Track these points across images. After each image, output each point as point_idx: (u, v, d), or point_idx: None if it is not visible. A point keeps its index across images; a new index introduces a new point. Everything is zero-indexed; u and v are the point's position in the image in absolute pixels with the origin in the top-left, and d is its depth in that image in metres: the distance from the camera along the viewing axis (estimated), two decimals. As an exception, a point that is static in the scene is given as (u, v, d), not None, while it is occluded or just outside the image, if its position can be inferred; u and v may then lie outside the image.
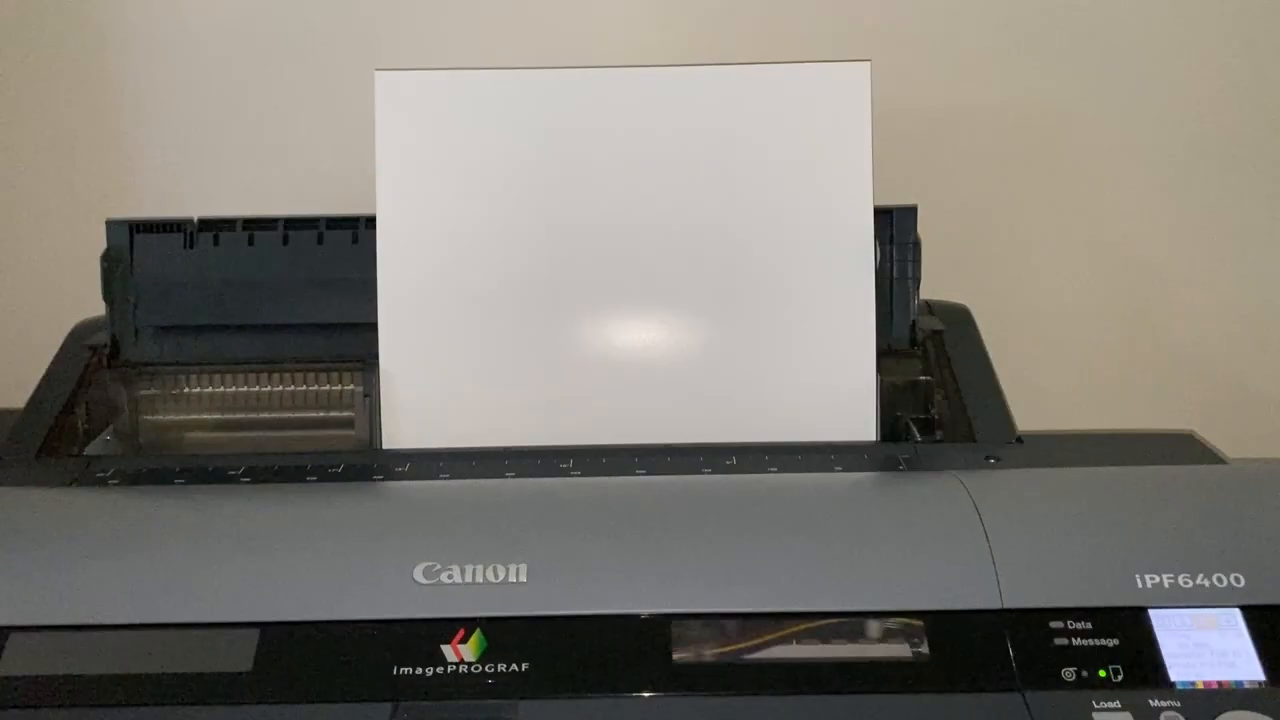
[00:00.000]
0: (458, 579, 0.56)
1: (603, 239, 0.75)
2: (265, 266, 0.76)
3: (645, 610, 0.55)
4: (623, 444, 0.71)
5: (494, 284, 0.74)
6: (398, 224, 0.74)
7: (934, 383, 0.76)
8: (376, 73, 0.75)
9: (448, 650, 0.54)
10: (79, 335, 0.79)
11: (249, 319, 0.76)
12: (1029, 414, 0.75)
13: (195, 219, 0.78)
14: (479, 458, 0.69)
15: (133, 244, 0.77)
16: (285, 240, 0.77)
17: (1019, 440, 0.71)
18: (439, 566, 0.56)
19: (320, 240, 0.77)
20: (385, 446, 0.73)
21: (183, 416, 0.79)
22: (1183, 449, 0.70)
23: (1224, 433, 0.73)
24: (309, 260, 0.76)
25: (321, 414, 0.78)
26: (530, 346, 0.74)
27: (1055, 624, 0.54)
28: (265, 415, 0.79)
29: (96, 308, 0.78)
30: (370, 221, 0.75)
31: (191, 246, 0.77)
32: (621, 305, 0.74)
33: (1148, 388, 0.97)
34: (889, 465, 0.68)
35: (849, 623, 0.54)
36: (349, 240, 0.76)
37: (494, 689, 0.52)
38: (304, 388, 0.78)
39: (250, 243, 0.77)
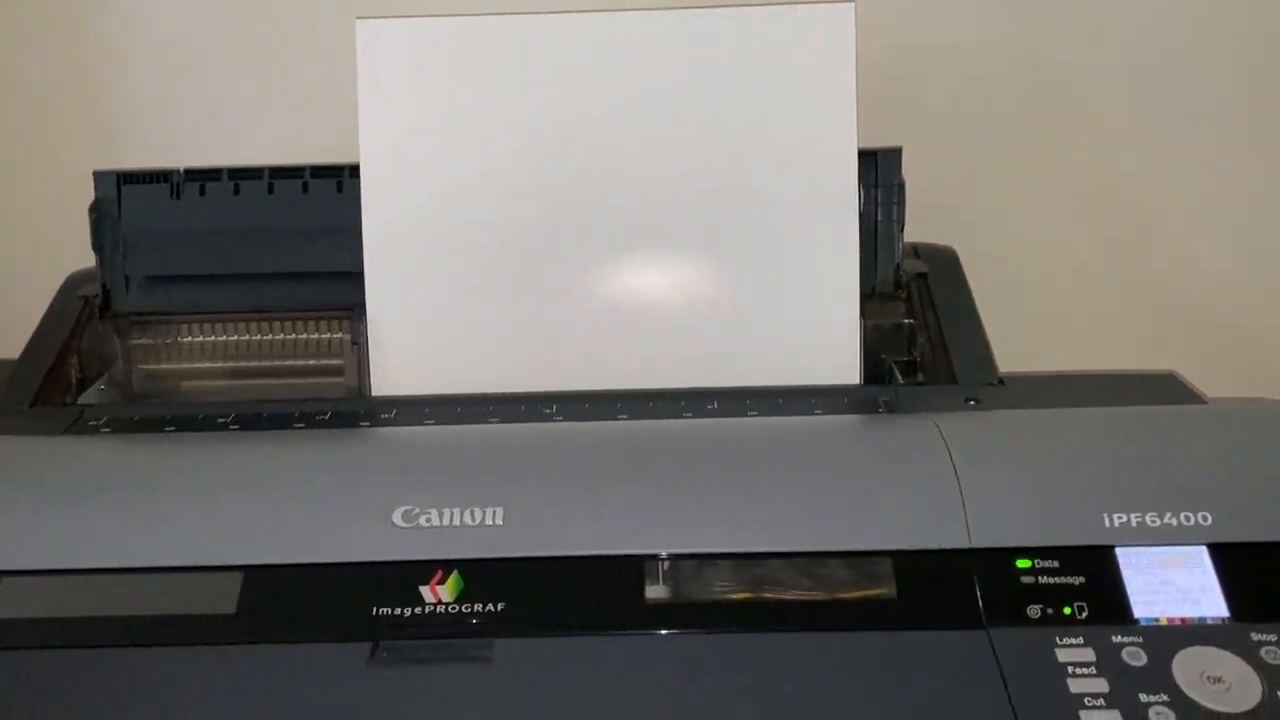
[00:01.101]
0: (436, 522, 0.57)
1: (586, 184, 0.75)
2: (251, 216, 0.76)
3: (618, 551, 0.56)
4: (606, 389, 0.72)
5: (478, 231, 0.74)
6: (381, 172, 0.74)
7: (917, 325, 0.77)
8: (357, 20, 0.75)
9: (426, 591, 0.55)
10: (71, 286, 0.80)
11: (237, 268, 0.77)
12: (1014, 356, 0.76)
13: (181, 169, 0.78)
14: (464, 404, 0.70)
15: (120, 195, 0.77)
16: (270, 190, 0.77)
17: (1000, 382, 0.72)
18: (417, 510, 0.57)
19: (305, 189, 0.77)
20: (374, 393, 0.74)
21: (175, 365, 0.80)
22: (1163, 389, 0.70)
23: (1213, 373, 0.73)
24: (295, 209, 0.76)
25: (312, 362, 0.79)
26: (515, 293, 0.74)
27: (1022, 563, 0.55)
28: (256, 363, 0.80)
29: (89, 259, 0.79)
30: (355, 170, 0.75)
31: (178, 197, 0.77)
32: (606, 252, 0.74)
33: (1135, 329, 0.97)
34: (869, 408, 0.69)
35: (818, 562, 0.55)
36: (334, 189, 0.77)
37: (471, 628, 0.54)
38: (293, 336, 0.79)
39: (236, 192, 0.77)
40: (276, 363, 0.80)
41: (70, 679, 0.52)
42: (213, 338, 0.80)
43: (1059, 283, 1.01)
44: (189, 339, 0.80)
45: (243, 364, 0.80)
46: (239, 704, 0.51)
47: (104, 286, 0.78)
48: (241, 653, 0.53)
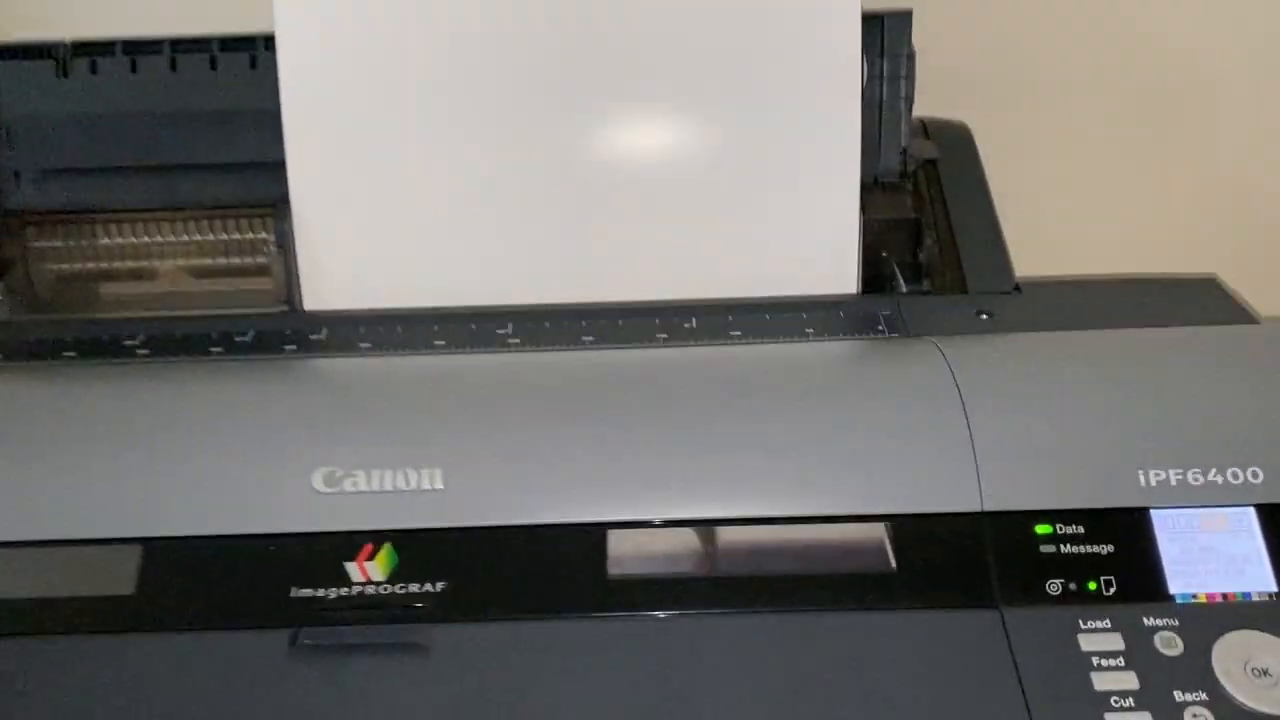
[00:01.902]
0: (363, 486, 0.49)
1: (553, 46, 0.64)
2: (153, 98, 0.66)
3: (577, 519, 0.48)
4: (569, 303, 0.63)
5: (419, 109, 0.64)
6: (301, 42, 0.64)
7: (925, 222, 0.67)
8: None
9: (352, 568, 0.48)
10: (-47, 180, 0.69)
11: (140, 159, 0.67)
12: (1033, 255, 0.66)
13: (68, 41, 0.67)
14: (407, 321, 0.61)
15: None
16: (173, 66, 0.67)
17: (1017, 289, 0.63)
18: (342, 472, 0.49)
19: (213, 65, 0.67)
20: (306, 303, 0.65)
21: (82, 266, 0.71)
22: (1204, 300, 0.61)
23: (1259, 276, 0.64)
24: (203, 89, 0.67)
25: (239, 260, 0.70)
26: (465, 182, 0.64)
27: (1042, 529, 0.48)
28: (178, 263, 0.71)
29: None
30: (270, 41, 0.65)
31: (65, 75, 0.67)
32: (574, 129, 0.64)
33: (1174, 223, 0.86)
34: (866, 325, 0.60)
35: (805, 530, 0.48)
36: (246, 64, 0.67)
37: (406, 612, 0.47)
38: (211, 237, 0.69)
39: (133, 69, 0.67)
40: (201, 261, 0.71)
41: None
42: (121, 240, 0.70)
43: (1085, 164, 0.88)
44: (97, 241, 0.70)
45: (162, 264, 0.71)
46: (136, 703, 0.45)
47: None
48: (141, 643, 0.46)
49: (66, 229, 0.70)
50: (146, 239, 0.70)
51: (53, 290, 0.71)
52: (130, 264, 0.71)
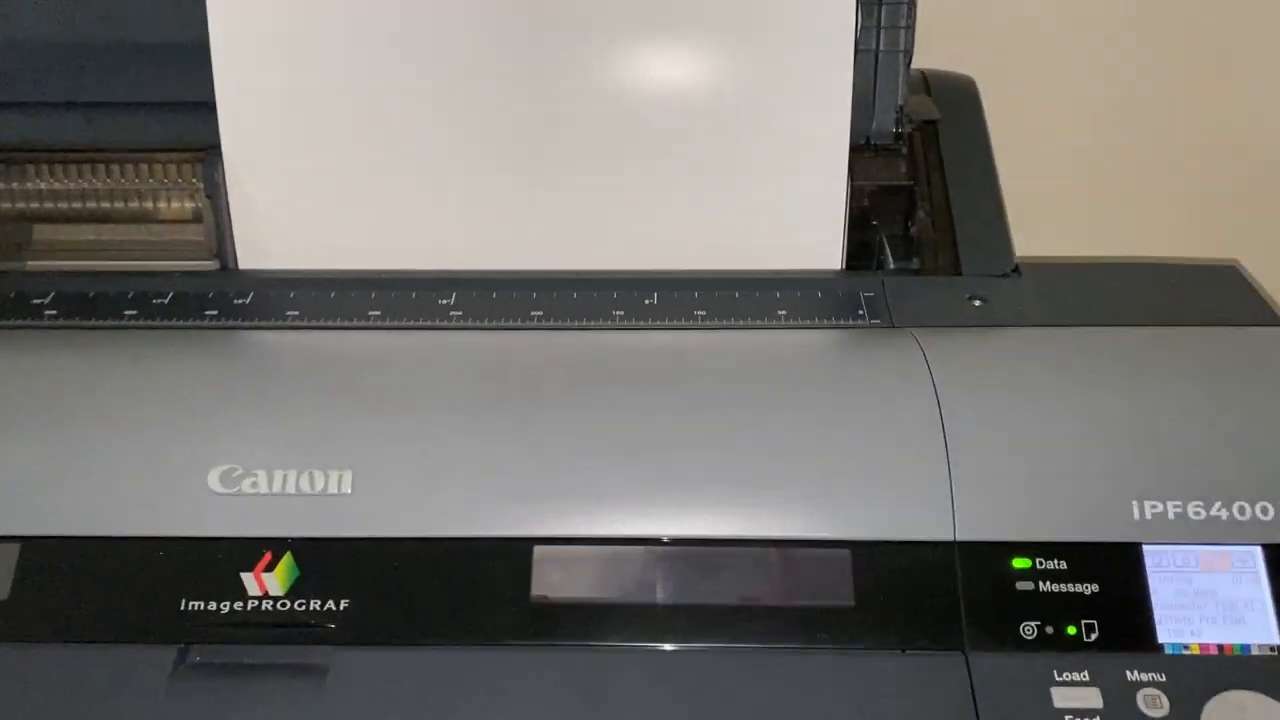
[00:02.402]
0: (264, 488, 0.44)
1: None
2: (65, 27, 0.62)
3: (500, 533, 0.43)
4: (521, 271, 0.57)
5: (364, 48, 0.58)
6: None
7: (919, 191, 0.61)
8: None
9: (249, 579, 0.43)
10: None
11: (50, 95, 0.61)
12: (1035, 229, 0.60)
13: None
14: (342, 287, 0.56)
15: None
16: None
17: (1016, 271, 0.57)
18: (240, 470, 0.44)
19: None
20: (241, 260, 0.60)
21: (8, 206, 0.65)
22: (1222, 291, 0.55)
23: None
24: (122, 17, 0.62)
25: (165, 205, 0.65)
26: (414, 132, 0.59)
27: (1019, 563, 0.42)
28: (103, 205, 0.65)
29: None
30: None
31: None
32: (529, 77, 0.58)
33: (1192, 196, 0.78)
34: (846, 308, 0.54)
35: (754, 554, 0.43)
36: None
37: (305, 631, 0.42)
38: (137, 183, 0.63)
39: None
40: (129, 206, 0.65)
41: None
42: (43, 184, 0.64)
43: (1098, 128, 0.80)
44: (15, 184, 0.64)
45: (85, 206, 0.65)
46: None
47: None
48: (14, 656, 0.42)
49: (-7, 168, 0.65)
50: (68, 182, 0.64)
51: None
52: (52, 206, 0.66)
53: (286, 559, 0.43)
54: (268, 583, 0.43)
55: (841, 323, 0.53)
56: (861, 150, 0.60)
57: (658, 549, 0.43)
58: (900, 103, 0.61)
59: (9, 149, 0.63)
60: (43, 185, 0.65)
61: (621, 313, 0.54)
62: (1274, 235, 0.68)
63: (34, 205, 0.65)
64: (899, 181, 0.62)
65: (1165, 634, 0.42)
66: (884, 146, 0.61)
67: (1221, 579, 0.42)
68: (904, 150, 0.61)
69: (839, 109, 0.58)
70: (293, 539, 0.43)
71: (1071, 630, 0.42)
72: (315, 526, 0.44)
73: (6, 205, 0.65)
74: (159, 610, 0.43)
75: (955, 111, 0.63)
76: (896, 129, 0.61)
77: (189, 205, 0.64)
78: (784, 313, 0.54)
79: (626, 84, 0.58)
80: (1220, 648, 0.41)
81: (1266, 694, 0.40)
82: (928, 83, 0.65)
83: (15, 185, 0.64)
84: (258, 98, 0.59)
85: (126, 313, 0.55)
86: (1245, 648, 0.41)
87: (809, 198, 0.59)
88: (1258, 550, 0.43)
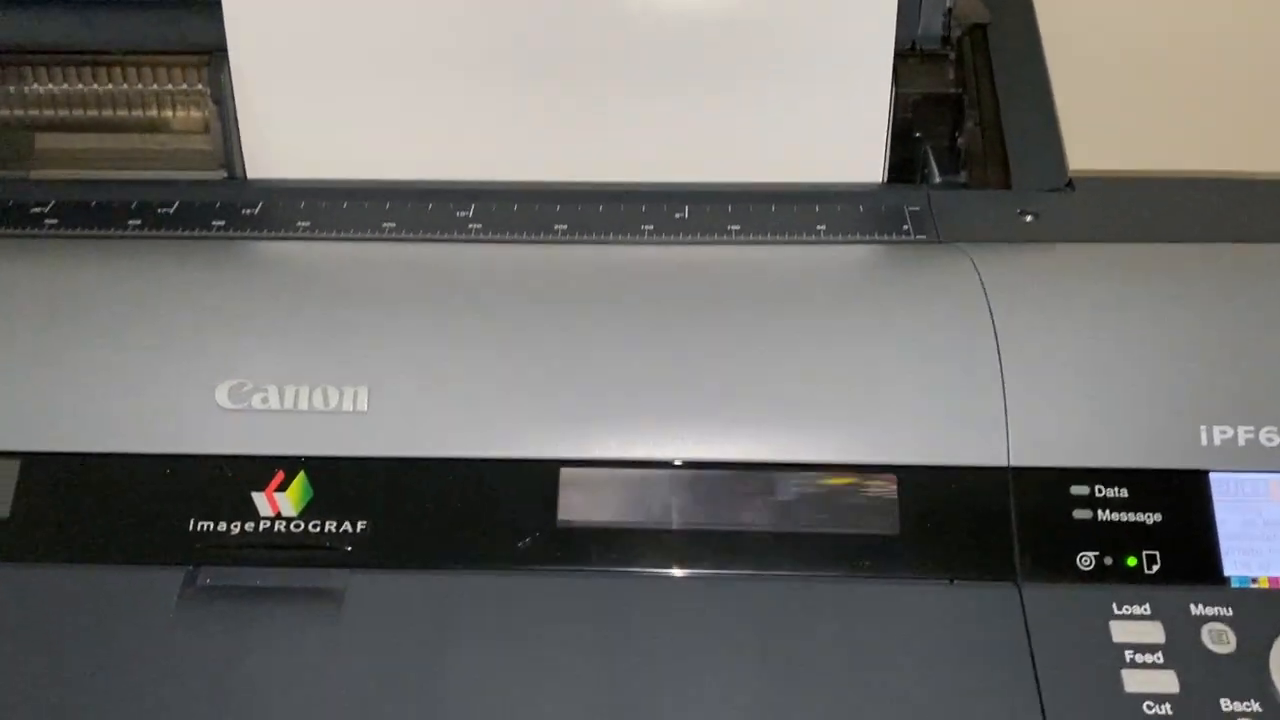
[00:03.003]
0: (275, 404, 0.42)
1: None
2: None
3: (525, 454, 0.41)
4: (543, 182, 0.54)
5: None
6: None
7: (967, 99, 0.57)
8: None
9: (260, 499, 0.41)
10: None
11: None
12: (1091, 141, 0.56)
13: None
14: (355, 197, 0.53)
15: None
16: None
17: (1070, 185, 0.54)
18: (250, 385, 0.42)
19: None
20: (249, 170, 0.58)
21: (2, 114, 0.63)
22: (1290, 207, 0.52)
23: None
24: None
25: (170, 114, 0.62)
26: (432, 36, 0.55)
27: (1077, 489, 0.40)
28: (105, 113, 0.62)
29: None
30: None
31: None
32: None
33: (1261, 106, 0.74)
34: (890, 223, 0.51)
35: (794, 479, 0.41)
36: None
37: (320, 554, 0.40)
38: (140, 88, 0.61)
39: None
40: (133, 114, 0.63)
41: None
42: (48, 86, 0.62)
43: (1163, 42, 0.75)
44: (22, 86, 0.62)
45: (87, 114, 0.63)
46: (3, 645, 0.39)
47: None
48: (16, 576, 0.40)
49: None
50: (69, 86, 0.61)
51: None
52: (55, 113, 0.63)
53: (300, 478, 0.41)
54: (280, 503, 0.41)
55: (885, 238, 0.50)
56: (906, 56, 0.57)
57: (692, 473, 0.41)
58: (949, 4, 0.57)
59: (4, 50, 0.61)
60: (40, 89, 0.62)
61: (650, 227, 0.51)
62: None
63: (32, 112, 0.63)
64: (946, 90, 0.58)
65: (1232, 566, 0.39)
66: (930, 52, 0.58)
67: (1293, 510, 0.40)
68: (951, 56, 0.58)
69: (883, 11, 0.55)
70: (306, 458, 0.41)
71: (1132, 561, 0.39)
72: (330, 445, 0.42)
73: (4, 111, 0.62)
74: (166, 530, 0.41)
75: (1006, 14, 0.59)
76: (944, 33, 0.57)
77: (195, 114, 0.62)
78: (823, 228, 0.51)
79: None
80: (1291, 582, 0.39)
81: (1341, 629, 0.38)
82: (977, -16, 0.61)
83: (12, 89, 0.62)
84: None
85: (130, 223, 0.52)
86: (1319, 581, 0.39)
87: (849, 106, 0.56)
88: (1333, 479, 0.40)
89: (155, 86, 0.61)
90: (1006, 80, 0.57)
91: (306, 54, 0.56)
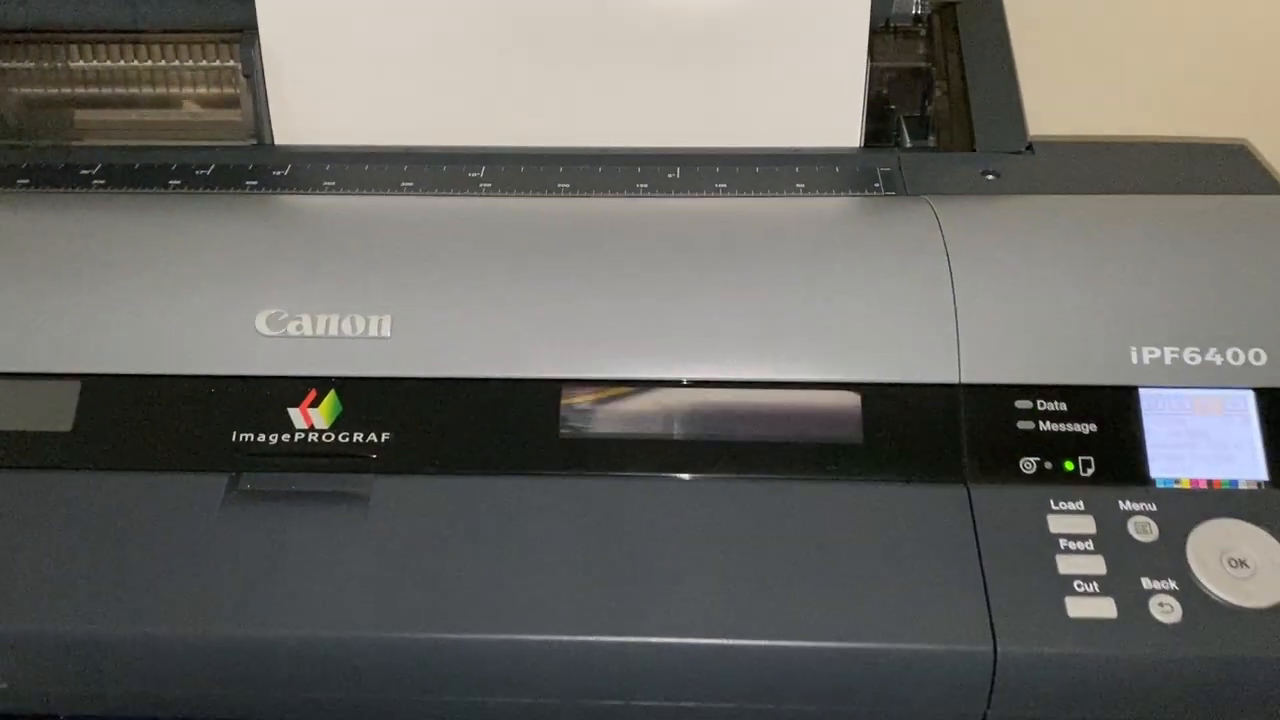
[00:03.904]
0: (308, 330, 0.47)
1: None
2: None
3: (530, 374, 0.46)
4: (547, 147, 0.59)
5: None
6: None
7: (936, 72, 0.62)
8: None
9: (295, 414, 0.46)
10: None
11: None
12: (1055, 113, 0.61)
13: None
14: (375, 160, 0.58)
15: None
16: None
17: (1029, 149, 0.58)
18: (286, 315, 0.47)
19: None
20: (277, 138, 0.62)
21: (46, 91, 0.68)
22: (1230, 167, 0.56)
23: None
24: None
25: (204, 90, 0.67)
26: (447, 12, 0.60)
27: (1021, 403, 0.45)
28: (144, 90, 0.67)
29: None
30: None
31: None
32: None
33: (1205, 81, 0.79)
34: (863, 181, 0.56)
35: (770, 395, 0.45)
36: None
37: (348, 461, 0.45)
38: (177, 63, 0.65)
39: None
40: (169, 90, 0.67)
41: None
42: (84, 63, 0.66)
43: (1113, 18, 0.81)
44: (60, 64, 0.67)
45: (128, 91, 0.67)
46: (69, 541, 0.44)
47: None
48: (77, 481, 0.45)
49: (31, 50, 0.67)
50: (110, 63, 0.67)
51: (18, 115, 0.68)
52: (95, 90, 0.68)
53: (330, 396, 0.46)
54: (313, 417, 0.46)
55: (858, 194, 0.55)
56: (881, 32, 0.62)
57: (681, 390, 0.46)
58: (919, -16, 0.62)
59: (53, 29, 0.65)
60: (84, 65, 0.67)
61: (645, 185, 0.56)
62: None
63: (77, 90, 0.68)
64: (917, 64, 0.63)
65: (1157, 469, 0.44)
66: (903, 29, 0.62)
67: (1214, 421, 0.45)
68: (923, 32, 0.63)
69: (858, -9, 0.60)
70: (336, 377, 0.46)
71: (1069, 466, 0.44)
72: (357, 366, 0.46)
73: (52, 89, 0.67)
74: (211, 442, 0.46)
75: None
76: (916, 10, 0.62)
77: (227, 91, 0.66)
78: (801, 185, 0.56)
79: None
80: (1210, 482, 0.44)
81: (1251, 522, 0.42)
82: (947, -34, 0.66)
83: (59, 64, 0.67)
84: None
85: (171, 182, 0.57)
86: (1233, 483, 0.44)
87: (828, 78, 0.60)
88: (1249, 394, 0.45)
89: (190, 62, 0.66)
90: (973, 54, 0.62)
91: (330, 30, 0.61)
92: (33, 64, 0.67)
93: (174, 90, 0.68)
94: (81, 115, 0.70)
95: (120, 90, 0.68)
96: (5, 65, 0.67)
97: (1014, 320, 0.46)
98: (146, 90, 0.68)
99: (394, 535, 0.44)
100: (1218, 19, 0.75)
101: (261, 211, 0.53)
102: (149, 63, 0.67)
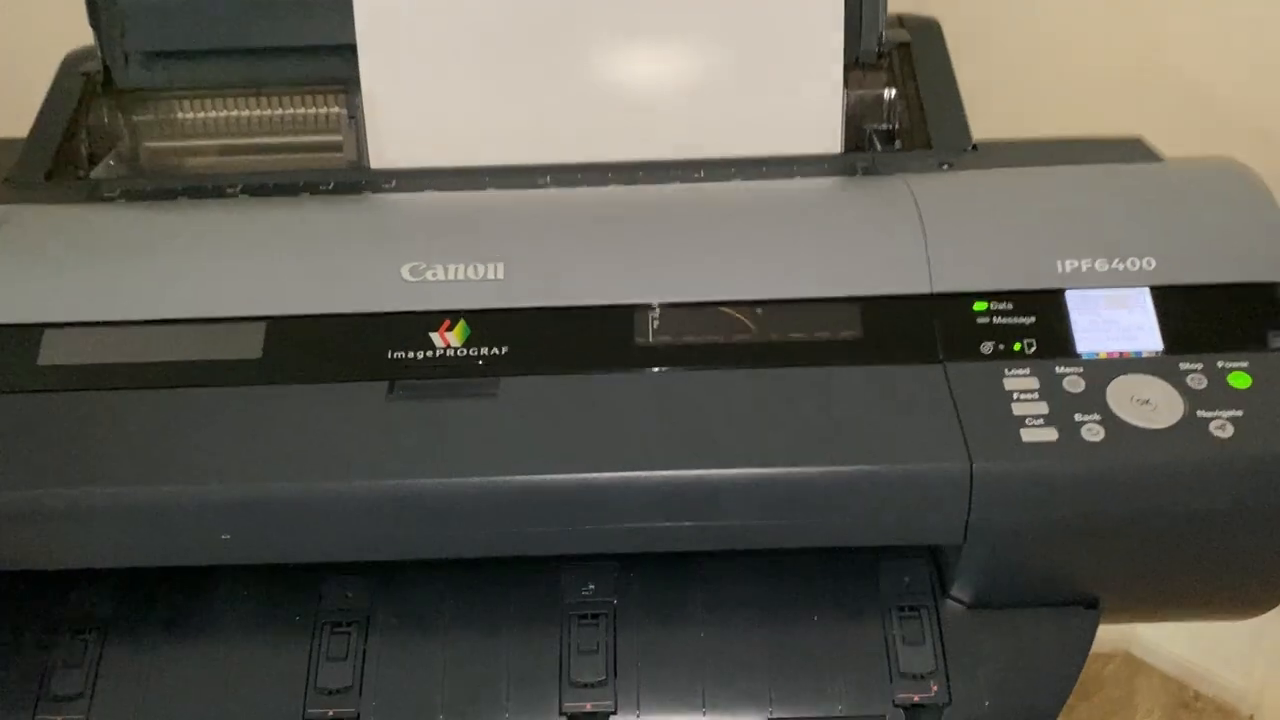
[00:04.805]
0: (441, 276, 0.62)
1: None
2: None
3: (609, 301, 0.61)
4: (597, 161, 0.75)
5: (478, 11, 0.74)
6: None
7: (897, 95, 0.79)
8: None
9: (436, 337, 0.60)
10: (72, 63, 0.81)
11: (231, 43, 0.78)
12: (993, 126, 0.78)
13: (173, -60, 0.78)
14: (461, 174, 0.73)
15: None
16: None
17: (974, 148, 0.75)
18: (424, 265, 0.62)
19: None
20: (373, 166, 0.77)
21: (179, 142, 0.82)
22: (1128, 153, 0.73)
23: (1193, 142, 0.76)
24: None
25: (312, 137, 0.82)
26: (512, 62, 0.75)
27: (979, 304, 0.60)
28: (257, 139, 0.82)
29: (86, 37, 0.80)
30: None
31: None
32: (604, 26, 0.75)
33: (1117, 98, 0.98)
34: (847, 169, 0.72)
35: (791, 308, 0.61)
36: None
37: (478, 369, 0.59)
38: (289, 111, 0.81)
39: None
40: (277, 139, 0.83)
41: (111, 417, 0.58)
42: (212, 113, 0.81)
43: (1038, 50, 1.00)
44: (189, 115, 0.82)
45: (243, 140, 0.82)
46: (269, 435, 0.57)
47: (104, 63, 0.79)
48: (268, 393, 0.59)
49: (164, 105, 0.81)
50: (231, 113, 0.81)
51: (151, 164, 0.83)
52: (218, 141, 0.83)
53: (461, 323, 0.61)
54: (449, 339, 0.60)
55: (843, 177, 0.71)
56: (852, 67, 0.78)
57: (720, 307, 0.61)
58: (880, 30, 0.79)
59: (174, 89, 0.79)
60: (209, 115, 0.81)
61: (678, 183, 0.72)
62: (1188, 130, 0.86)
63: (200, 141, 0.82)
64: (881, 90, 0.80)
65: (1083, 346, 0.59)
66: (869, 64, 0.79)
67: (1121, 312, 0.60)
68: (885, 65, 0.80)
69: (834, 32, 0.76)
70: (465, 310, 0.61)
71: (1017, 347, 0.59)
72: (480, 301, 0.61)
73: (179, 141, 0.82)
74: (373, 359, 0.59)
75: (923, 38, 0.81)
76: (879, 48, 0.79)
77: (326, 139, 0.81)
78: (800, 177, 0.72)
79: (679, 26, 0.75)
80: (1120, 353, 0.59)
81: (1151, 375, 0.58)
82: (900, 19, 0.84)
83: (186, 116, 0.81)
84: (388, 40, 0.76)
85: (302, 194, 0.72)
86: (1138, 352, 0.59)
87: (815, 104, 0.76)
88: (1146, 291, 0.61)
89: (301, 110, 0.82)
90: (925, 79, 0.79)
91: (421, 82, 0.76)
92: (163, 116, 0.82)
93: (284, 139, 0.82)
94: (197, 162, 0.84)
95: (235, 140, 0.83)
96: (141, 119, 0.82)
97: (970, 245, 0.62)
98: (257, 140, 0.82)
99: (518, 420, 0.58)
100: (1108, 42, 0.93)
101: (387, 200, 0.69)
102: (263, 112, 0.82)
